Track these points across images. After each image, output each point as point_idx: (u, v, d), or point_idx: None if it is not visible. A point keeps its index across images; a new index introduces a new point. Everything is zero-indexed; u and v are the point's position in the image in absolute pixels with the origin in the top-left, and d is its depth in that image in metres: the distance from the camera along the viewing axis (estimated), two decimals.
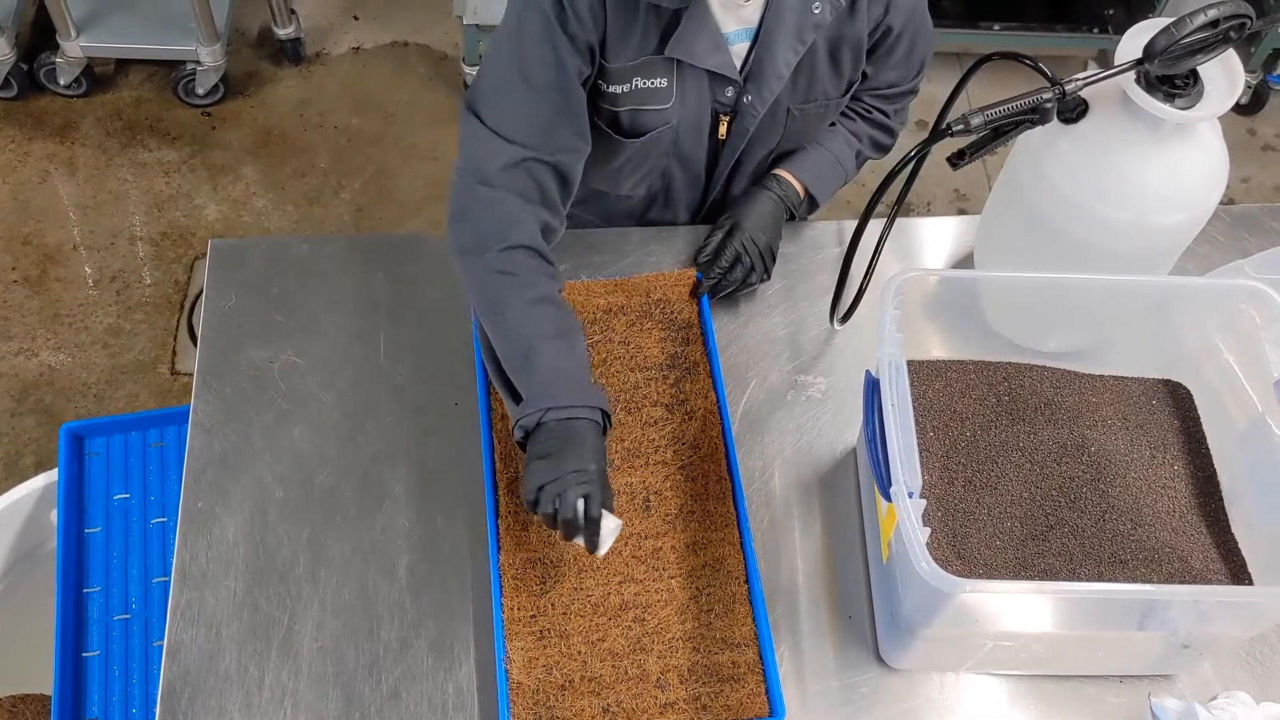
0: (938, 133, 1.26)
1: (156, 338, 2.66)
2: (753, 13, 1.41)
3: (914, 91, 1.65)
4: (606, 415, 1.28)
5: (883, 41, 1.51)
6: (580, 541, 1.23)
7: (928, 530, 1.09)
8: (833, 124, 1.64)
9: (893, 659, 1.30)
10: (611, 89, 1.42)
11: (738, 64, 1.44)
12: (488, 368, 1.37)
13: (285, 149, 3.01)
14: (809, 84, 1.49)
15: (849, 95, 1.56)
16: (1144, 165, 1.30)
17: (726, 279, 1.53)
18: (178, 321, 2.69)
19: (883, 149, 1.70)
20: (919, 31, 1.53)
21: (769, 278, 1.57)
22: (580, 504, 1.20)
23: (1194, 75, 1.26)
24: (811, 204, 1.64)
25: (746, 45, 1.43)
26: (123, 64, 3.12)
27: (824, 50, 1.46)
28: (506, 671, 1.25)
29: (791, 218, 1.62)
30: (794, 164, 1.62)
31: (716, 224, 1.58)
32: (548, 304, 1.33)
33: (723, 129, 1.52)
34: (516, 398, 1.29)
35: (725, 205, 1.65)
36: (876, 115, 1.65)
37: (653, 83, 1.42)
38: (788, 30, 1.40)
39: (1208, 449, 1.36)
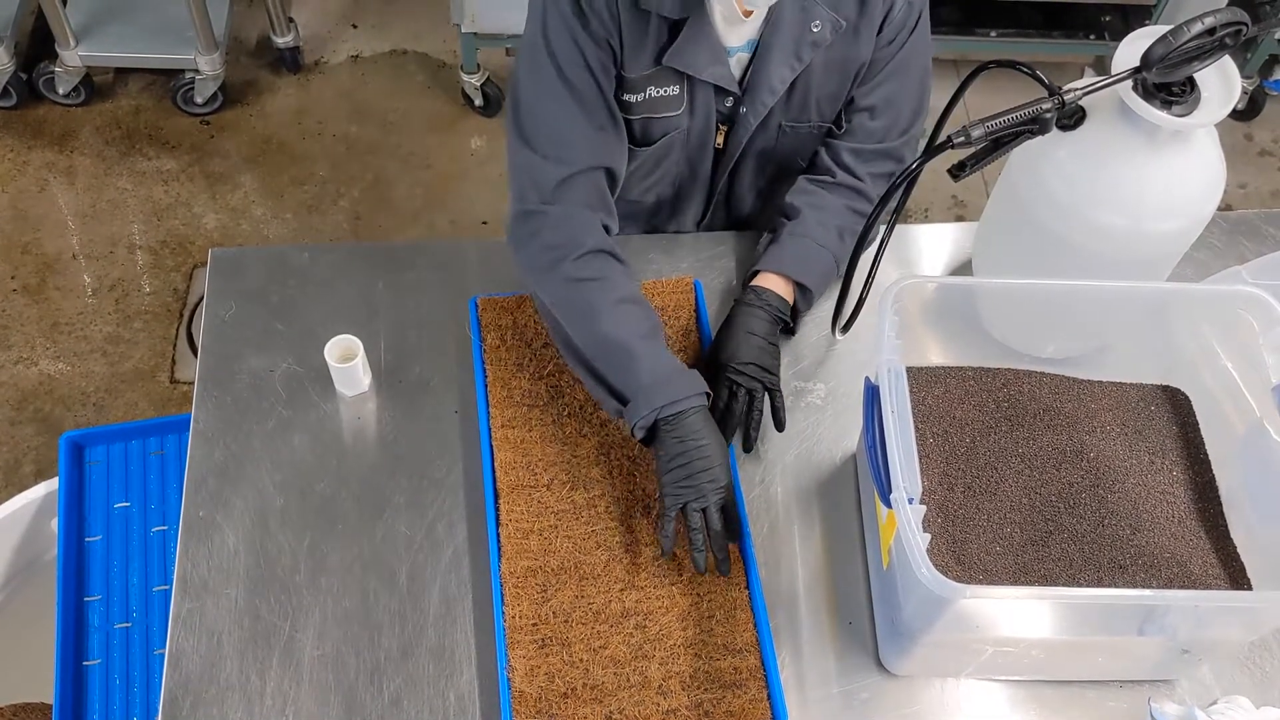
0: (938, 145, 1.26)
1: (155, 346, 2.66)
2: (753, 29, 1.41)
3: (890, 155, 1.50)
4: (707, 393, 1.35)
5: (873, 65, 1.45)
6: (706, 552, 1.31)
7: (928, 536, 1.09)
8: (803, 213, 1.50)
9: (893, 665, 1.30)
10: (626, 97, 1.43)
11: (737, 74, 1.45)
12: (578, 374, 1.39)
13: (284, 157, 3.02)
14: (803, 103, 1.48)
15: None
16: (1141, 172, 1.31)
17: (737, 418, 1.40)
18: (177, 330, 2.69)
19: (861, 215, 1.50)
20: (906, 76, 1.45)
21: (778, 389, 1.43)
22: (718, 517, 1.30)
23: (1191, 82, 1.27)
24: (805, 295, 1.49)
25: (747, 57, 1.44)
26: (121, 73, 3.12)
27: (821, 70, 1.45)
28: (508, 679, 1.25)
29: (789, 327, 1.50)
30: (774, 259, 1.48)
31: (701, 359, 1.47)
32: (633, 304, 1.39)
33: (719, 138, 1.52)
34: (620, 399, 1.34)
35: (729, 214, 1.66)
36: (843, 177, 1.50)
37: (665, 90, 1.43)
38: (785, 46, 1.40)
39: (1206, 454, 1.36)
